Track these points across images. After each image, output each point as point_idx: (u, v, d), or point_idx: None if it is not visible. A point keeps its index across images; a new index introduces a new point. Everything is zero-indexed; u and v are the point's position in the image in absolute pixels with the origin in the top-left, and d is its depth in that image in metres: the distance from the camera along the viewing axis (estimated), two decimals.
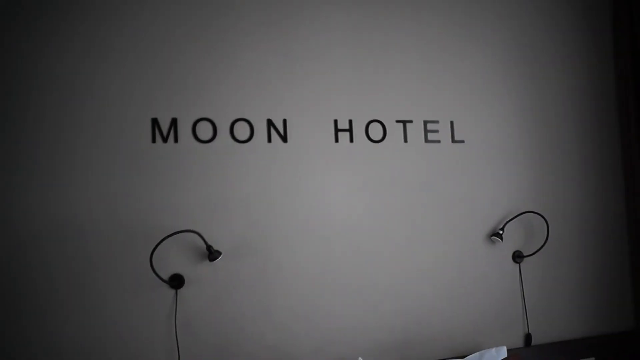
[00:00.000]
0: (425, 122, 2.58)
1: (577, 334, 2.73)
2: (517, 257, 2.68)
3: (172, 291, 2.22)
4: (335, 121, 2.45)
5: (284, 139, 2.38)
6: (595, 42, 2.89)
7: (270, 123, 2.37)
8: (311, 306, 2.37)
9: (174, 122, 2.26)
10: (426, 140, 2.57)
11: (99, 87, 2.17)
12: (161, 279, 2.15)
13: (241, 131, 2.34)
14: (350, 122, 2.47)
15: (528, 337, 2.65)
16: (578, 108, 2.84)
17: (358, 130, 2.48)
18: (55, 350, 2.07)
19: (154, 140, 2.23)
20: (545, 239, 2.68)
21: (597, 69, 2.88)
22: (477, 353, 2.47)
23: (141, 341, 2.16)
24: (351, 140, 2.47)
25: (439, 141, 2.60)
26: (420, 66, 2.59)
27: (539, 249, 2.65)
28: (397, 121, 2.54)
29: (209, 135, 2.30)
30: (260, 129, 2.35)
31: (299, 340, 2.34)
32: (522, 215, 2.67)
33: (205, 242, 2.20)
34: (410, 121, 2.56)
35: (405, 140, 2.54)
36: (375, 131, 2.51)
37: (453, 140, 2.62)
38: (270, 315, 2.32)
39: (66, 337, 2.09)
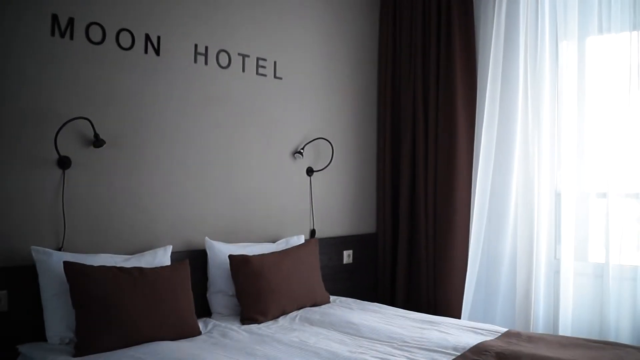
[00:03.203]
0: (258, 59, 3.69)
1: (342, 232, 4.25)
2: (309, 171, 4.01)
3: (60, 171, 2.88)
4: (196, 45, 3.39)
5: (157, 52, 3.21)
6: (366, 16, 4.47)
7: (147, 37, 3.16)
8: (170, 194, 3.26)
9: (70, 21, 2.87)
10: (257, 73, 3.70)
11: None
12: (60, 156, 2.81)
13: (124, 40, 3.07)
14: (206, 47, 3.43)
15: (313, 232, 4.02)
16: (355, 65, 4.34)
17: (211, 56, 3.46)
18: None
19: (52, 34, 2.84)
20: (330, 160, 4.09)
21: (367, 40, 4.46)
22: (283, 239, 3.74)
23: (32, 212, 2.75)
24: (205, 63, 3.44)
25: (265, 75, 3.75)
26: (259, 13, 3.70)
27: (325, 167, 4.05)
28: (239, 54, 3.60)
29: (99, 38, 2.97)
30: (140, 41, 3.12)
31: (159, 221, 3.21)
32: (316, 140, 4.03)
33: (94, 130, 2.91)
34: (248, 56, 3.64)
35: (243, 71, 3.62)
36: (223, 59, 3.52)
37: (275, 76, 3.80)
38: (138, 199, 3.13)
39: None
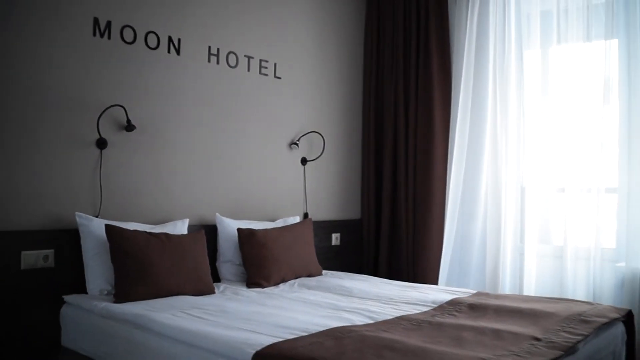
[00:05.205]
0: (261, 60, 4.28)
1: (331, 217, 4.84)
2: (304, 161, 4.60)
3: (98, 150, 3.42)
4: (209, 47, 3.96)
5: (178, 52, 3.77)
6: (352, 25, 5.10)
7: (170, 39, 3.73)
8: (187, 175, 3.80)
9: (108, 24, 3.42)
10: (260, 73, 4.28)
11: None
12: (100, 136, 3.36)
13: (151, 41, 3.63)
14: (218, 49, 4.01)
15: (306, 215, 4.61)
16: (344, 67, 4.96)
17: (222, 57, 4.03)
18: (7, 195, 3.07)
19: (94, 35, 3.39)
20: (321, 151, 4.69)
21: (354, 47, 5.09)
22: (281, 219, 4.31)
23: (74, 184, 3.28)
24: (217, 62, 4.02)
25: (267, 75, 4.34)
26: (263, 20, 4.30)
27: (317, 157, 4.64)
28: (245, 55, 4.19)
29: (131, 39, 3.52)
30: (164, 42, 3.68)
31: (177, 198, 3.75)
32: (310, 133, 4.61)
33: (127, 116, 3.46)
34: (253, 57, 4.23)
35: (248, 70, 4.20)
36: (232, 60, 4.10)
37: (275, 76, 4.39)
38: (161, 177, 3.67)
39: (19, 180, 3.10)
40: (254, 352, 2.22)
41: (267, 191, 4.35)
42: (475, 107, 4.58)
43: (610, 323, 2.87)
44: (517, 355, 2.20)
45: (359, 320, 2.82)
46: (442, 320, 2.82)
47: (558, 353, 2.27)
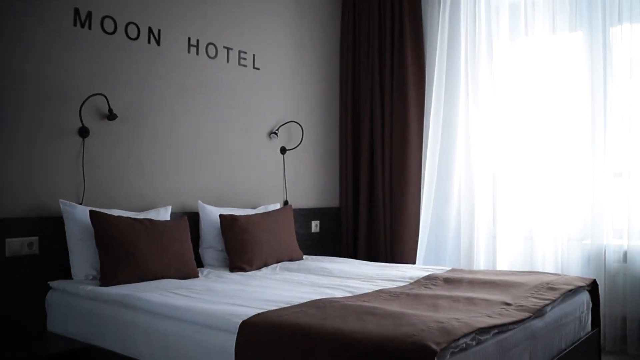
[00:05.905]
0: (240, 51, 4.37)
1: (310, 205, 4.94)
2: (283, 150, 4.70)
3: (81, 139, 3.48)
4: (189, 38, 4.04)
5: (158, 43, 3.84)
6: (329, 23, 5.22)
7: (150, 30, 3.79)
8: (169, 164, 3.87)
9: (89, 14, 3.48)
10: (239, 64, 4.37)
11: None
12: (83, 125, 3.42)
13: (132, 31, 3.70)
14: (197, 40, 4.09)
15: (286, 202, 4.70)
16: (321, 57, 5.07)
17: (201, 48, 4.11)
18: None
19: (75, 25, 3.45)
20: (300, 140, 4.79)
21: (330, 44, 5.21)
22: (262, 206, 4.40)
23: (57, 172, 3.33)
24: (197, 53, 4.10)
25: (246, 66, 4.43)
26: (242, 12, 4.39)
27: (295, 147, 4.74)
28: (224, 47, 4.28)
29: (112, 29, 3.58)
30: (144, 32, 3.75)
31: (159, 186, 3.81)
32: (289, 123, 4.71)
33: (109, 105, 3.53)
34: (232, 48, 4.32)
35: (228, 61, 4.29)
36: (211, 51, 4.18)
37: (254, 67, 4.48)
38: (143, 166, 3.73)
39: (1, 169, 3.12)
40: (240, 321, 2.31)
41: (248, 179, 4.44)
42: (448, 97, 4.74)
43: (576, 290, 3.05)
44: (489, 316, 2.33)
45: (339, 294, 2.93)
46: (418, 291, 2.94)
47: (527, 314, 2.42)
